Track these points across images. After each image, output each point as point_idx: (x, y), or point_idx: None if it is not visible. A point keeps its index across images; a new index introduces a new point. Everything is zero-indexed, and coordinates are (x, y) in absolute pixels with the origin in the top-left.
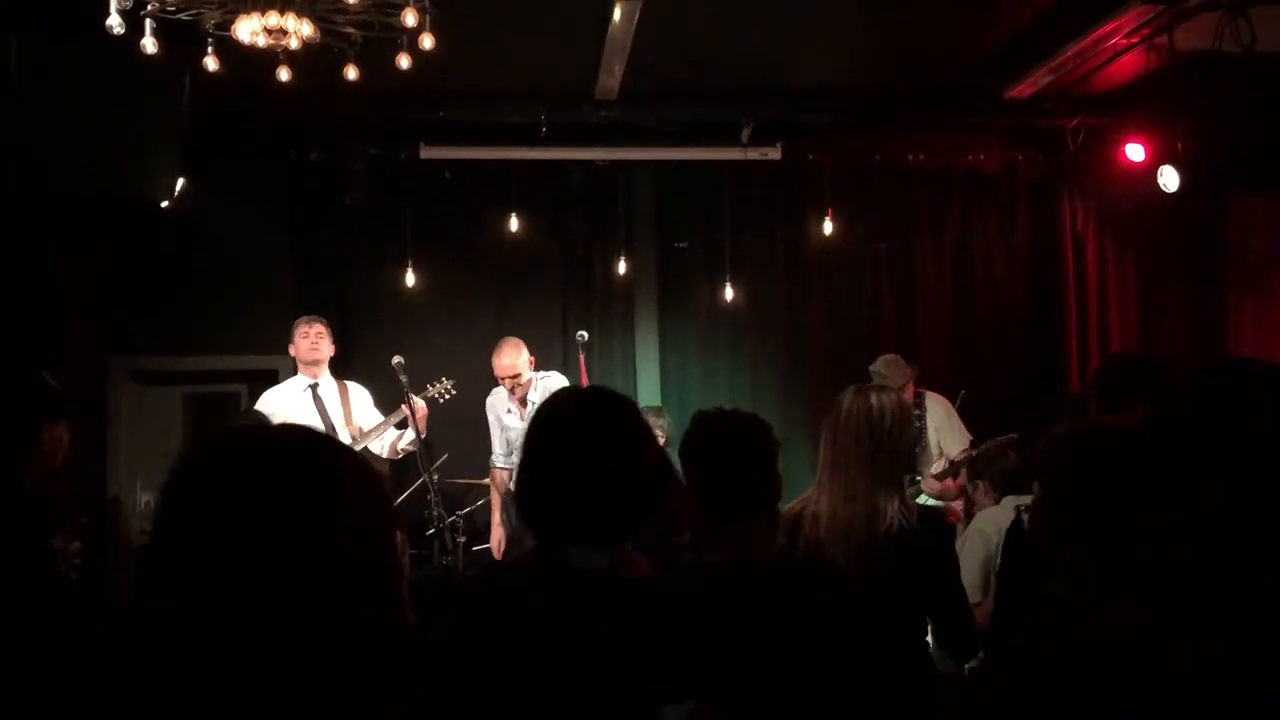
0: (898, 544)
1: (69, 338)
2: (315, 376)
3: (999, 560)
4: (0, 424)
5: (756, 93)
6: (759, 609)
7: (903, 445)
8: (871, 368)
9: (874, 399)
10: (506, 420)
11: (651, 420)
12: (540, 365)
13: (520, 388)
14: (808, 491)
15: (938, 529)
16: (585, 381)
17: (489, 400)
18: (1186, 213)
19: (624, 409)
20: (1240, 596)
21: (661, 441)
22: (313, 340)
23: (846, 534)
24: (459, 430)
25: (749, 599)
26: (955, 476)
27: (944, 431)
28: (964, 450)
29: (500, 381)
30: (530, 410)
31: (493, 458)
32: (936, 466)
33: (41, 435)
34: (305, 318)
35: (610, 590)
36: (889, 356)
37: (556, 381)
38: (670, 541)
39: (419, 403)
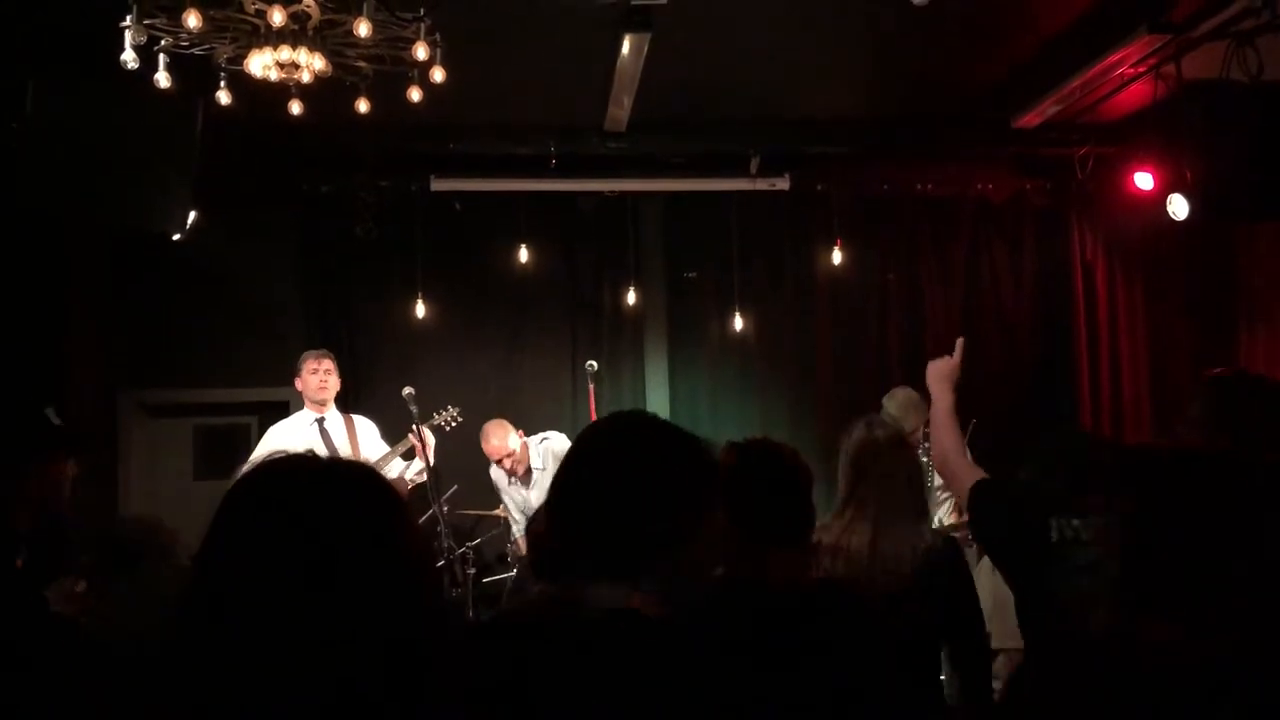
0: (933, 571)
1: (80, 370)
2: (322, 411)
3: None
4: None
5: (764, 124)
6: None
7: (920, 472)
8: (885, 404)
9: (888, 430)
10: (512, 492)
11: None
12: (549, 395)
13: (518, 463)
14: (823, 521)
15: (959, 556)
16: (594, 413)
17: (492, 476)
18: (1196, 241)
19: (646, 430)
20: None
21: None
22: (321, 377)
23: (892, 562)
24: (468, 462)
25: (766, 624)
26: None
27: None
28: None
29: (497, 464)
30: (536, 477)
31: (513, 530)
32: (945, 510)
33: (30, 474)
34: (314, 353)
35: (630, 630)
36: (904, 396)
37: (559, 442)
38: (703, 573)
39: (428, 434)
